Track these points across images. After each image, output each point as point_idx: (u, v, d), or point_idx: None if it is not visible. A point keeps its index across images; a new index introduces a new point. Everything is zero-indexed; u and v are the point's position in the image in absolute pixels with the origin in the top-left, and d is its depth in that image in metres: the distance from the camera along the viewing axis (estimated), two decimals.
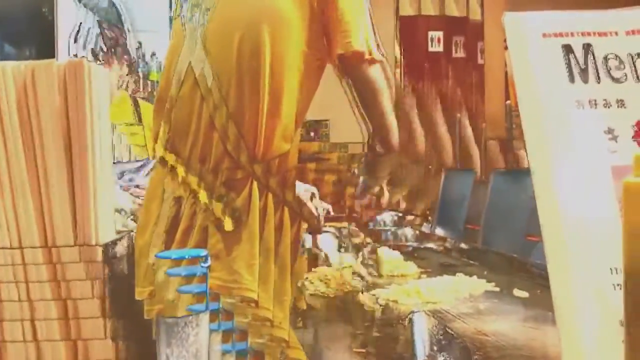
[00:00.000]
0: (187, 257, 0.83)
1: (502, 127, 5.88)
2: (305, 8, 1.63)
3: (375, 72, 1.67)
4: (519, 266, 2.52)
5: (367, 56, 1.65)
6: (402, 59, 5.98)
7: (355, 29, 1.64)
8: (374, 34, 1.70)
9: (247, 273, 1.54)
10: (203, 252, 0.82)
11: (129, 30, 3.16)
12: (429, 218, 4.61)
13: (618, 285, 0.65)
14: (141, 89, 4.55)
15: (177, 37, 1.73)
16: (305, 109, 1.71)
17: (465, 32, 6.06)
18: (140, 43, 4.69)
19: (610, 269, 0.66)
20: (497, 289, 2.18)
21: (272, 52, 1.61)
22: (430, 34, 6.01)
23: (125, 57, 2.97)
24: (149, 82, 4.54)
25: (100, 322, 0.91)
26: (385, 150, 1.76)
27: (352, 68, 1.67)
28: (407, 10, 6.08)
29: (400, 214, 4.17)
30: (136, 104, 3.09)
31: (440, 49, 6.03)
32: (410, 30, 6.02)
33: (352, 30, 1.64)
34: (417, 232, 3.75)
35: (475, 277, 2.29)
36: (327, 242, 2.83)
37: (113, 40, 2.99)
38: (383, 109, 1.70)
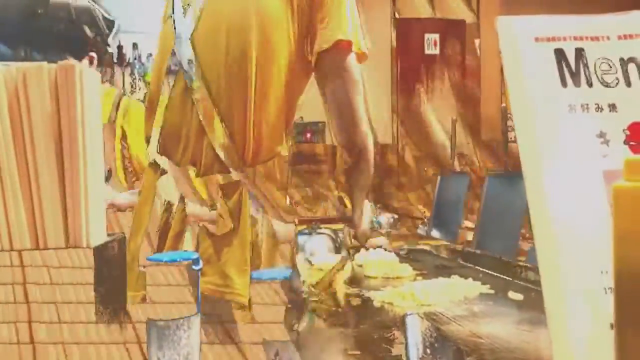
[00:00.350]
0: (178, 259, 0.83)
1: (497, 129, 5.89)
2: (293, 7, 1.63)
3: (356, 67, 1.65)
4: (513, 269, 2.52)
5: (353, 48, 1.64)
6: (398, 62, 5.98)
7: (339, 22, 1.63)
8: (361, 30, 1.68)
9: (239, 278, 1.55)
10: (194, 255, 0.82)
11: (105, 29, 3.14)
12: (425, 220, 4.62)
13: (609, 288, 0.65)
14: (137, 90, 4.56)
15: (167, 39, 1.73)
16: (294, 109, 1.71)
17: (462, 34, 6.07)
18: (136, 44, 4.70)
19: (601, 271, 0.67)
20: (492, 292, 2.17)
21: (259, 52, 1.61)
22: (427, 36, 6.02)
23: (92, 54, 2.96)
24: (144, 82, 4.55)
25: (92, 326, 0.91)
26: (359, 156, 1.72)
27: (335, 61, 1.64)
28: (404, 12, 6.09)
29: (397, 216, 4.17)
30: (119, 103, 3.03)
31: (437, 51, 6.04)
32: (406, 33, 6.03)
33: (336, 24, 1.63)
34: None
35: (470, 279, 2.28)
36: (321, 244, 2.82)
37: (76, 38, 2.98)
38: (357, 107, 1.67)
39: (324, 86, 1.67)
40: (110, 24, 3.19)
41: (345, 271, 2.60)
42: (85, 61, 3.00)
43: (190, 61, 1.66)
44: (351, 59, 1.64)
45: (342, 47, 1.63)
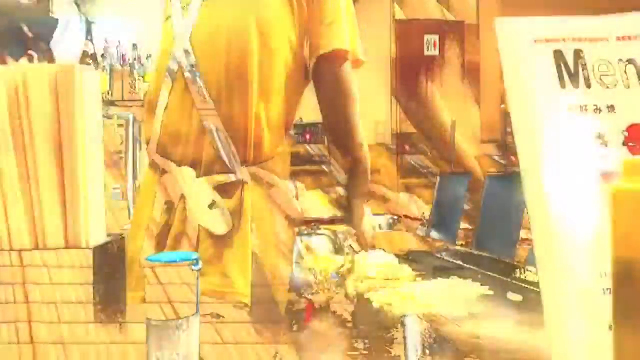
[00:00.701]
0: (177, 260, 0.83)
1: (497, 130, 5.89)
2: (293, 11, 1.63)
3: (352, 77, 1.66)
4: (513, 270, 2.52)
5: (350, 56, 1.65)
6: (398, 63, 5.99)
7: (337, 29, 1.64)
8: (358, 36, 1.69)
9: (240, 278, 1.55)
10: (194, 255, 0.83)
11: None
12: (424, 221, 4.61)
13: (607, 289, 0.65)
14: (137, 91, 4.56)
15: (166, 40, 1.74)
16: (294, 109, 1.71)
17: (462, 35, 6.06)
18: (135, 45, 4.70)
19: (600, 273, 0.67)
20: (491, 293, 2.18)
21: (260, 53, 1.62)
22: (427, 37, 6.02)
23: (31, 53, 2.94)
24: (145, 84, 4.55)
25: (91, 326, 0.91)
26: (354, 165, 1.72)
27: (331, 69, 1.65)
28: (404, 13, 6.09)
29: (396, 217, 4.17)
30: None
31: (437, 52, 6.04)
32: (406, 34, 6.03)
33: (333, 31, 1.64)
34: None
35: (469, 280, 2.29)
36: (321, 245, 2.82)
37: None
38: (353, 118, 1.68)
39: (319, 94, 1.69)
40: (53, 22, 3.16)
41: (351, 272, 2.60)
42: (25, 60, 2.98)
43: (189, 62, 1.66)
44: (347, 67, 1.65)
45: (339, 56, 1.64)
